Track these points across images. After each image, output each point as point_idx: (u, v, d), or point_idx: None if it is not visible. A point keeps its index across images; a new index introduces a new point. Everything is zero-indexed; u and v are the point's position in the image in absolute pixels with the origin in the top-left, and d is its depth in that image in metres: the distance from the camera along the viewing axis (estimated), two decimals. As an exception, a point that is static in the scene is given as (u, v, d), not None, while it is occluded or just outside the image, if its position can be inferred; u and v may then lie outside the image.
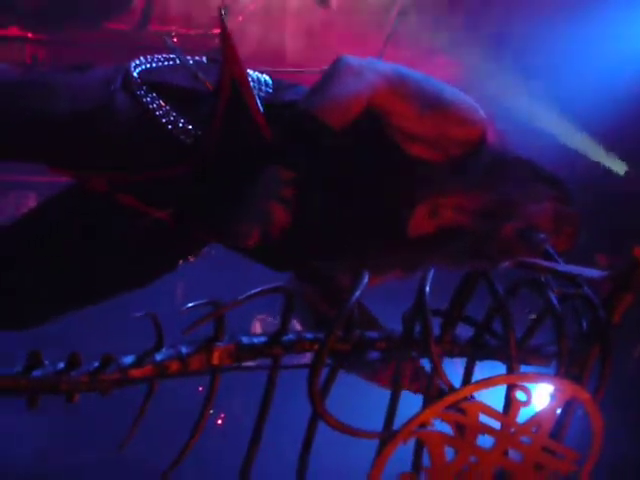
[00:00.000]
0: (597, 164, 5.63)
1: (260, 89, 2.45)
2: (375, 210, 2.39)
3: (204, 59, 2.60)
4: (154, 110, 2.41)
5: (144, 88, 2.44)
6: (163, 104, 2.41)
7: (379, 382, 2.20)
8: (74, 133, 2.43)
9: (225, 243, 2.48)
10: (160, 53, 2.60)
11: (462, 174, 2.37)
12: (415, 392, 2.13)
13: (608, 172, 5.62)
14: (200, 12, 5.59)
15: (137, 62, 2.53)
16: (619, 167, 5.58)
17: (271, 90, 2.48)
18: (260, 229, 2.21)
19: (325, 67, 2.36)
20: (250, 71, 2.47)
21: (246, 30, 5.59)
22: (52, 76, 2.54)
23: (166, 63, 2.57)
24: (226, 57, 2.33)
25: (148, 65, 2.54)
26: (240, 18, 5.47)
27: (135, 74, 2.47)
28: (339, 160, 2.35)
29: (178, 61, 2.55)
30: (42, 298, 2.58)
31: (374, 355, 1.88)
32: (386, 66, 2.41)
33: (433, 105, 2.35)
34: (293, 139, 2.27)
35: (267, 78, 2.51)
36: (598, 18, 5.18)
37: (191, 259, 2.60)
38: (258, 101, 2.34)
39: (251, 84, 2.37)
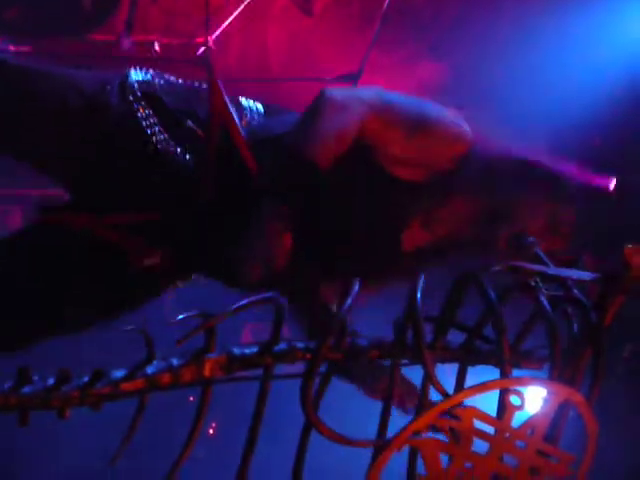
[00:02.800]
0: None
1: (252, 118, 2.47)
2: (370, 227, 2.40)
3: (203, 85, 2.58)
4: (143, 119, 2.41)
5: (139, 96, 2.44)
6: (154, 121, 2.41)
7: (370, 395, 2.20)
8: (66, 125, 2.42)
9: (226, 283, 2.48)
10: (149, 65, 2.59)
11: (453, 184, 2.38)
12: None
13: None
14: (181, 21, 5.58)
15: (135, 70, 2.52)
16: None
17: (262, 118, 2.49)
18: (261, 267, 2.23)
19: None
20: (243, 99, 2.48)
21: (229, 39, 5.58)
22: (51, 67, 2.52)
23: (161, 81, 2.55)
24: (214, 105, 2.35)
25: (145, 76, 2.52)
26: (222, 27, 5.46)
27: (133, 82, 2.47)
28: (330, 188, 2.36)
29: (171, 79, 2.55)
30: (33, 325, 2.54)
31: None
32: (369, 93, 2.42)
33: (419, 127, 2.37)
34: (283, 178, 2.29)
35: (259, 106, 2.52)
36: (584, 18, 5.18)
37: (180, 285, 2.59)
38: (245, 144, 2.35)
39: (241, 120, 2.39)
